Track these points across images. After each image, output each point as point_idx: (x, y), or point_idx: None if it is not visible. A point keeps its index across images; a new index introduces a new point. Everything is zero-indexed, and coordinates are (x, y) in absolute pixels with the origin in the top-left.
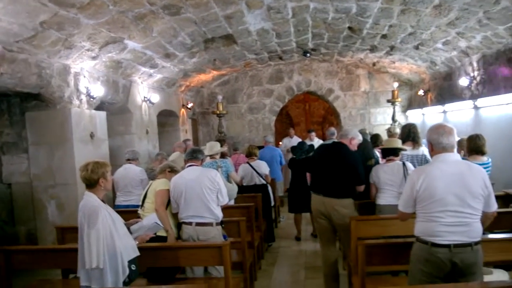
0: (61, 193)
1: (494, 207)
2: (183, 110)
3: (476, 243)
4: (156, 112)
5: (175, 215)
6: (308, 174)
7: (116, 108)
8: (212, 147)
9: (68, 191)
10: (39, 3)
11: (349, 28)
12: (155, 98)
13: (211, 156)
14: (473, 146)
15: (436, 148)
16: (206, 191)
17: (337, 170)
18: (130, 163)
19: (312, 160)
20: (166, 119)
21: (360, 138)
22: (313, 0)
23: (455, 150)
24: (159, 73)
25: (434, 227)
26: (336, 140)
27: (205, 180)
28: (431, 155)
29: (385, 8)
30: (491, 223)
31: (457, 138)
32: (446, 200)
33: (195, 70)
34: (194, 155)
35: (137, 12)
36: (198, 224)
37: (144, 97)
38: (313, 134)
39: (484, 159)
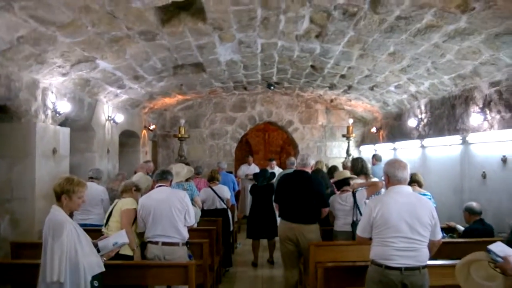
0: (17, 208)
1: (439, 235)
2: (144, 131)
3: (424, 267)
4: (119, 132)
5: (139, 235)
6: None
7: (79, 125)
8: (179, 170)
9: (25, 206)
10: (21, 19)
11: (312, 66)
12: (119, 118)
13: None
14: (412, 178)
15: (391, 180)
16: (175, 212)
17: (304, 197)
18: (92, 181)
19: (278, 189)
20: (127, 139)
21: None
22: (281, 39)
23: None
24: (125, 94)
25: (387, 251)
26: (297, 169)
27: (174, 201)
28: (387, 187)
29: (346, 52)
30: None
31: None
32: (399, 227)
33: (161, 94)
34: (163, 176)
35: (113, 35)
36: (164, 243)
37: (108, 116)
38: (274, 162)
39: (423, 190)
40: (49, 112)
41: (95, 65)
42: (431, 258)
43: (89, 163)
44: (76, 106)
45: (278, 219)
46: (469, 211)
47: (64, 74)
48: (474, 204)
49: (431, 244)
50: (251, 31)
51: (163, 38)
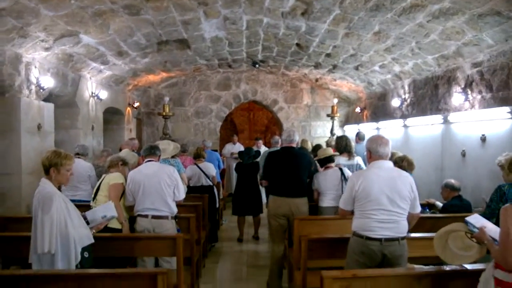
0: (3, 183)
1: (418, 209)
2: (129, 109)
3: (403, 238)
4: (103, 108)
5: (127, 209)
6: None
7: (63, 101)
8: (165, 147)
9: (12, 181)
10: None
11: (297, 44)
12: (103, 94)
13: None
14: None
15: (373, 156)
16: (164, 186)
17: (295, 171)
18: (79, 157)
19: (267, 166)
20: (111, 116)
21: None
22: (267, 16)
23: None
24: (109, 70)
25: (368, 223)
26: (284, 145)
27: (164, 175)
28: (369, 162)
29: (331, 30)
30: (416, 224)
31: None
32: (379, 200)
33: (145, 70)
34: (152, 151)
35: (97, 9)
36: (154, 217)
37: (92, 93)
38: (260, 142)
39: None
40: (33, 87)
41: (78, 40)
42: (412, 231)
43: (73, 139)
44: (60, 81)
45: (264, 196)
46: (450, 188)
47: (47, 49)
48: (453, 181)
49: (410, 217)
50: (236, 7)
51: (147, 12)
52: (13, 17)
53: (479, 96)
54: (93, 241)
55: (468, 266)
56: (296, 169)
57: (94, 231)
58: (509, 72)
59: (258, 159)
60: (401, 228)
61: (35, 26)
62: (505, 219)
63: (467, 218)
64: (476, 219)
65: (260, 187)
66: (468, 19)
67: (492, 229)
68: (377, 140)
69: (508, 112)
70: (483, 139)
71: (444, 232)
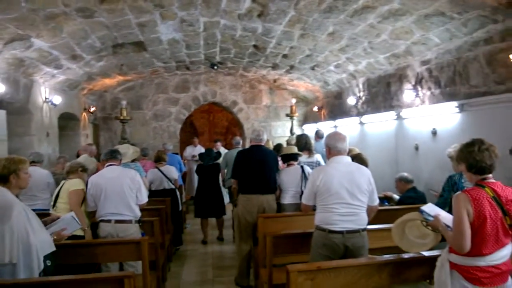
0: None
1: (376, 201)
2: (84, 114)
3: (363, 229)
4: (57, 114)
5: (88, 216)
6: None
7: (15, 108)
8: (125, 151)
9: None
10: None
11: (255, 46)
12: (57, 99)
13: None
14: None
15: (332, 151)
16: (127, 190)
17: (265, 169)
18: (35, 165)
19: (237, 165)
20: (67, 122)
21: None
22: (223, 18)
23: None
24: (63, 75)
25: (330, 216)
26: (253, 144)
27: (126, 179)
28: (328, 158)
29: (287, 31)
30: (375, 217)
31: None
32: (340, 194)
33: (100, 74)
34: (113, 155)
35: (49, 12)
36: (117, 221)
37: (46, 98)
38: (219, 143)
39: None
40: None
41: (30, 44)
42: (371, 224)
43: (28, 147)
44: (11, 87)
45: (226, 198)
46: (404, 180)
47: None
48: (406, 174)
49: (369, 210)
50: (193, 9)
51: (101, 15)
52: None
53: (428, 92)
54: (54, 248)
55: (425, 253)
56: (266, 166)
57: (55, 237)
58: (455, 69)
59: (219, 161)
60: (361, 220)
61: None
62: (457, 205)
63: (422, 208)
64: (430, 208)
65: (222, 188)
66: (415, 19)
67: (445, 217)
68: (335, 136)
69: (456, 107)
70: (434, 133)
71: (401, 222)
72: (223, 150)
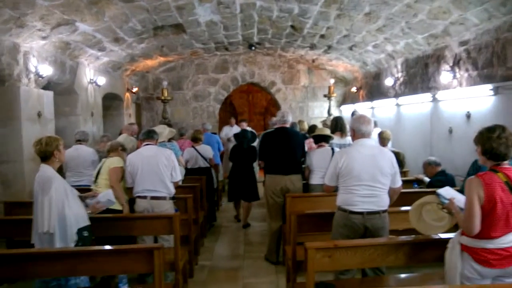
0: (7, 170)
1: (399, 183)
2: (127, 94)
3: (384, 211)
4: (102, 95)
5: (127, 192)
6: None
7: (62, 89)
8: (161, 131)
9: (15, 168)
10: None
11: (292, 26)
12: (101, 80)
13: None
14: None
15: (357, 134)
16: (162, 168)
17: (290, 150)
18: (80, 144)
19: (263, 147)
20: (110, 102)
21: None
22: None
23: (372, 136)
24: (106, 56)
25: (351, 197)
26: (278, 126)
27: (161, 158)
28: (353, 140)
29: (323, 12)
30: (404, 199)
31: (377, 129)
32: (361, 176)
33: (142, 56)
34: (150, 135)
35: None
36: (153, 197)
37: (90, 79)
38: (244, 123)
39: None
40: (31, 75)
41: (74, 28)
42: (400, 205)
43: (73, 126)
44: (58, 69)
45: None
46: (433, 164)
47: (44, 38)
48: (433, 158)
49: (391, 191)
50: None
51: None
52: (9, 7)
53: (466, 74)
54: (88, 223)
55: (441, 236)
56: (290, 147)
57: (90, 211)
58: (493, 50)
59: (255, 143)
60: (382, 202)
61: (31, 16)
62: (469, 189)
63: (439, 190)
64: (446, 191)
65: (256, 174)
66: None
67: (461, 200)
68: (360, 119)
69: (490, 90)
70: (468, 116)
71: (418, 205)
72: (250, 129)
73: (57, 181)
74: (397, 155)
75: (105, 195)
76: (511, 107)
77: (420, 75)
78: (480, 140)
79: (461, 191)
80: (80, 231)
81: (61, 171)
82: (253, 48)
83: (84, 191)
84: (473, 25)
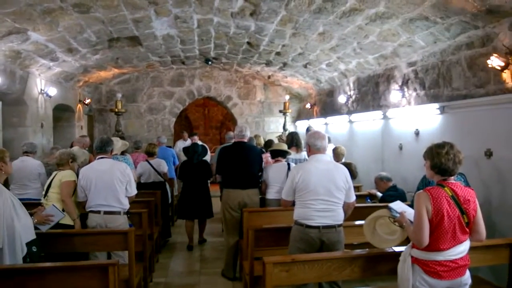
0: None
1: (353, 198)
2: (79, 105)
3: (339, 225)
4: (52, 106)
5: (78, 206)
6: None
7: (11, 99)
8: (114, 144)
9: None
10: None
11: (248, 43)
12: (53, 91)
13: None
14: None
15: (312, 149)
16: (117, 182)
17: (248, 165)
18: (27, 155)
19: (221, 161)
20: (62, 113)
21: None
22: (217, 15)
23: (326, 152)
24: (59, 67)
25: (308, 212)
26: (236, 140)
27: (116, 172)
28: (308, 155)
29: (279, 30)
30: (357, 213)
31: (331, 145)
32: (317, 191)
33: (96, 67)
34: (103, 149)
35: (46, 7)
36: (106, 212)
37: (41, 90)
38: (196, 137)
39: None
40: None
41: (26, 37)
42: (355, 220)
43: (22, 137)
44: (7, 78)
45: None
46: (385, 179)
47: None
48: (384, 173)
49: (346, 206)
50: (186, 6)
51: (97, 10)
52: None
53: (414, 94)
54: (35, 236)
55: (394, 249)
56: (247, 162)
57: (35, 221)
58: (439, 72)
59: (206, 157)
60: (338, 216)
61: None
62: (418, 203)
63: (390, 205)
64: (397, 205)
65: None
66: (401, 22)
67: (411, 214)
68: (315, 134)
69: (437, 109)
70: (417, 133)
71: (372, 219)
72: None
73: (4, 194)
74: (349, 165)
75: (51, 211)
76: (457, 126)
77: (371, 93)
78: (430, 155)
79: (411, 205)
80: (28, 245)
81: (7, 183)
82: (209, 62)
83: (28, 205)
84: (420, 48)
